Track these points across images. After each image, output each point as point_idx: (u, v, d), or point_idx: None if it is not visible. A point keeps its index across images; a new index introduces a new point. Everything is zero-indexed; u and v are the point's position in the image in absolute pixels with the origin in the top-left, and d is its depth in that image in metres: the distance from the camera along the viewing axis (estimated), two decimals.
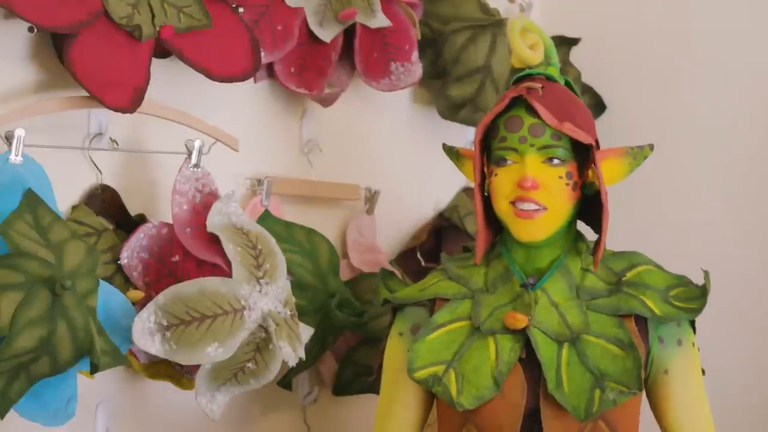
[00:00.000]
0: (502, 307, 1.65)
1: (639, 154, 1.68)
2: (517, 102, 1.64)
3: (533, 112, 1.62)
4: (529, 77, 1.67)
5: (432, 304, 1.71)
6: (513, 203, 1.62)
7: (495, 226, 1.70)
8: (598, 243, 1.65)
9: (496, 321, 1.64)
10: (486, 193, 1.68)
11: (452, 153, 1.76)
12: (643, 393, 1.67)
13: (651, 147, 1.69)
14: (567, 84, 1.70)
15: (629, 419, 1.64)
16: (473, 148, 1.68)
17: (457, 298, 1.69)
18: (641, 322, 1.65)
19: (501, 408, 1.60)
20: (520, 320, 1.61)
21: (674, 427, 1.65)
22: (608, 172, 1.66)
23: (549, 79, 1.67)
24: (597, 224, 1.68)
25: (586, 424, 1.60)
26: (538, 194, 1.61)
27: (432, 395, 1.72)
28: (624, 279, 1.67)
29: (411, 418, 1.71)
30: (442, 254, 1.77)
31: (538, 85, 1.63)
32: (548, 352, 1.61)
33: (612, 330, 1.63)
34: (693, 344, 1.67)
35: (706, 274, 1.67)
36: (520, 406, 1.60)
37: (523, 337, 1.62)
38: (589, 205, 1.69)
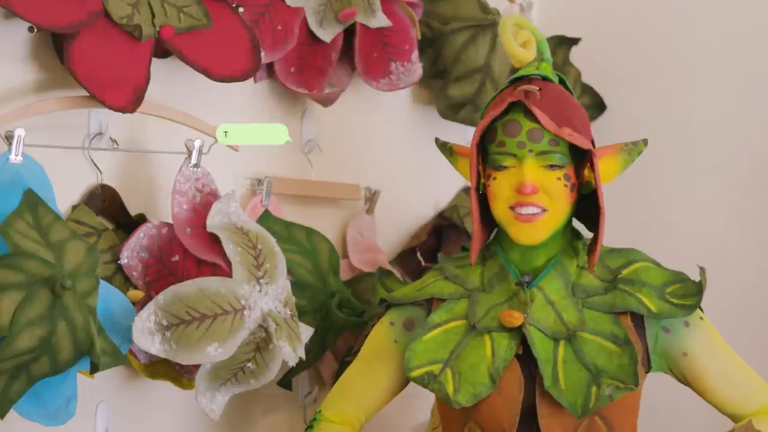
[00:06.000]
0: (498, 306, 1.66)
1: (633, 149, 1.68)
2: (515, 104, 1.64)
3: (531, 115, 1.61)
4: (526, 78, 1.66)
5: (429, 304, 1.71)
6: (512, 208, 1.62)
7: (489, 226, 1.71)
8: (594, 246, 1.65)
9: (492, 319, 1.65)
10: (481, 191, 1.68)
11: (445, 148, 1.76)
12: (641, 390, 1.67)
13: (645, 142, 1.69)
14: (561, 81, 1.70)
15: (626, 416, 1.64)
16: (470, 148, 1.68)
17: (454, 297, 1.69)
18: (637, 318, 1.65)
19: (499, 404, 1.61)
20: (516, 318, 1.62)
21: (720, 399, 1.67)
22: (604, 169, 1.67)
23: (544, 79, 1.66)
24: (592, 222, 1.68)
25: (582, 420, 1.61)
26: (538, 197, 1.61)
27: (396, 391, 1.74)
28: (620, 276, 1.67)
29: (371, 397, 1.73)
30: (439, 254, 1.78)
31: (535, 88, 1.62)
32: (544, 350, 1.61)
33: (608, 327, 1.63)
34: (701, 318, 1.68)
35: (702, 270, 1.68)
36: (517, 401, 1.61)
37: (519, 334, 1.63)
38: (585, 204, 1.69)
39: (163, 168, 1.79)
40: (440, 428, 1.77)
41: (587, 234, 1.71)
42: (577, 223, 1.72)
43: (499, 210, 1.64)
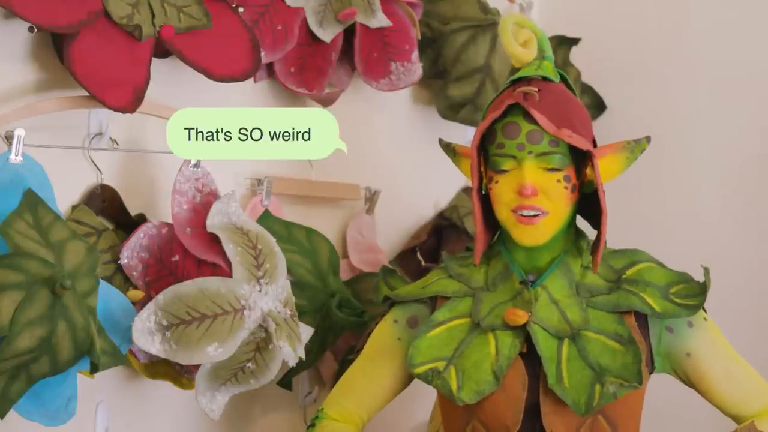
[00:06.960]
0: (502, 304, 1.66)
1: (636, 147, 1.68)
2: (514, 106, 1.63)
3: (531, 117, 1.61)
4: (525, 79, 1.66)
5: (433, 302, 1.72)
6: (514, 211, 1.63)
7: (493, 226, 1.71)
8: (597, 245, 1.65)
9: (496, 317, 1.65)
10: (483, 192, 1.68)
11: (449, 149, 1.76)
12: (646, 391, 1.67)
13: (648, 139, 1.69)
14: (563, 78, 1.69)
15: (630, 415, 1.64)
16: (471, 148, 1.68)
17: (458, 296, 1.70)
18: (641, 318, 1.65)
19: (502, 402, 1.61)
20: (520, 316, 1.62)
21: (723, 399, 1.67)
22: (607, 167, 1.66)
23: (545, 78, 1.66)
24: (595, 220, 1.68)
25: (586, 419, 1.61)
26: (538, 200, 1.61)
27: (399, 389, 1.74)
28: (624, 276, 1.68)
29: (374, 395, 1.73)
30: (443, 253, 1.78)
31: (533, 89, 1.62)
32: (548, 348, 1.62)
33: (612, 326, 1.63)
34: (705, 319, 1.68)
35: (706, 270, 1.68)
36: (521, 399, 1.61)
37: (523, 333, 1.63)
38: (590, 203, 1.69)
39: (163, 168, 1.79)
40: (442, 429, 1.77)
41: (591, 234, 1.72)
42: (581, 223, 1.72)
43: (502, 213, 1.64)
